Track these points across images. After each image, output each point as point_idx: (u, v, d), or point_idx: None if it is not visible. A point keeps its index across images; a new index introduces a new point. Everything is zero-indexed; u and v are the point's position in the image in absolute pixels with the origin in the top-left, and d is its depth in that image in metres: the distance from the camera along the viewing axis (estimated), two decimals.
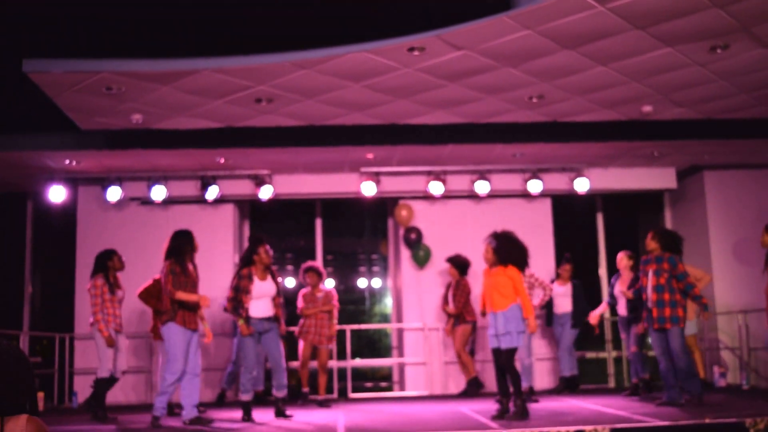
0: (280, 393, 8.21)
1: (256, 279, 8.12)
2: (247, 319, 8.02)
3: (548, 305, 11.41)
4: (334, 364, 11.90)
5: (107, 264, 8.83)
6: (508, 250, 7.71)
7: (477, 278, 10.83)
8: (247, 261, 8.24)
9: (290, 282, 13.80)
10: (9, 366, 2.70)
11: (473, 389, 10.96)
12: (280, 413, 8.18)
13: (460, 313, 11.02)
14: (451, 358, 11.89)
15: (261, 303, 8.11)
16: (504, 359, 7.57)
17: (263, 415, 8.31)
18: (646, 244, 8.43)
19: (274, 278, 8.26)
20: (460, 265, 11.21)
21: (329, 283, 12.89)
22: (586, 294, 11.46)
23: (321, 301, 10.05)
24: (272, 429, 7.30)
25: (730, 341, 11.93)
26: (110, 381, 8.72)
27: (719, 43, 8.22)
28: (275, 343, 8.18)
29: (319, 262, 12.63)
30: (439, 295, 11.96)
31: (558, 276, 11.47)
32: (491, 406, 8.21)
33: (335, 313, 10.11)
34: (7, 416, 2.61)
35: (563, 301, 11.29)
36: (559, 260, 11.88)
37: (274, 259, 8.44)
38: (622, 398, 9.51)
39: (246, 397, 8.02)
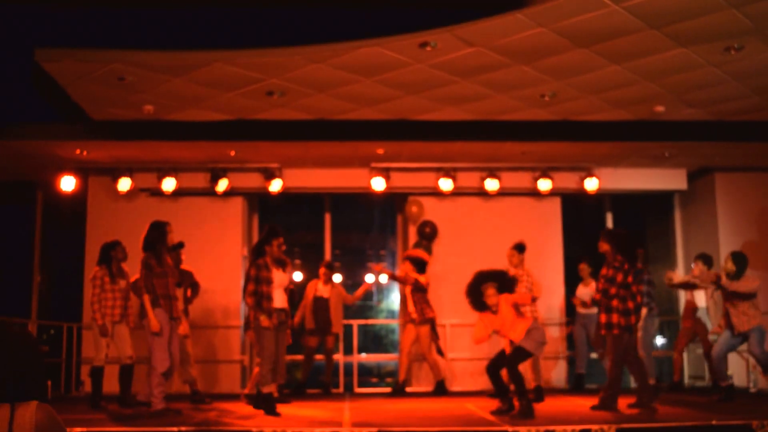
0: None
1: (273, 269, 7.99)
2: (270, 311, 7.81)
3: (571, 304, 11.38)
4: (340, 358, 11.92)
5: (110, 254, 8.95)
6: (504, 282, 7.82)
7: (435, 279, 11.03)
8: (259, 251, 8.10)
9: (297, 276, 13.81)
10: (20, 353, 2.70)
11: (440, 391, 10.73)
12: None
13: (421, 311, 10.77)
14: (457, 355, 11.89)
15: (276, 294, 7.99)
16: (512, 355, 7.56)
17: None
18: (599, 246, 8.20)
19: (284, 270, 8.20)
20: (418, 262, 10.90)
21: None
22: None
23: None
24: (279, 422, 7.29)
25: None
26: (102, 370, 8.96)
27: (734, 44, 8.18)
28: (283, 335, 8.10)
29: (327, 255, 12.68)
30: (444, 289, 11.92)
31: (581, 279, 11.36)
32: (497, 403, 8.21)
33: None
34: (18, 402, 2.62)
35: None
36: (568, 260, 11.85)
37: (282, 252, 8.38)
38: (628, 398, 9.47)
39: (268, 389, 7.81)
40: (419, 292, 10.65)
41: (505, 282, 7.81)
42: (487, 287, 7.73)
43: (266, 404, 7.79)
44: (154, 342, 7.67)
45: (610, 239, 8.08)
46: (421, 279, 10.65)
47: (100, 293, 8.78)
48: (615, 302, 7.82)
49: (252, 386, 8.98)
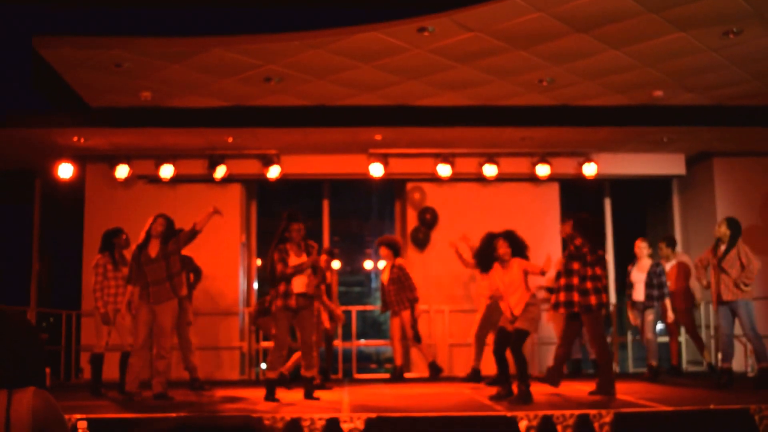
0: (308, 372, 8.01)
1: (292, 255, 7.96)
2: (286, 294, 7.85)
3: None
4: (339, 345, 11.93)
5: (113, 241, 8.92)
6: (518, 243, 7.88)
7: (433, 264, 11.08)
8: (281, 238, 8.04)
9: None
10: (17, 339, 2.70)
11: (435, 371, 10.55)
12: (309, 394, 7.93)
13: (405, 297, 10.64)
14: (456, 341, 11.91)
15: (296, 279, 7.93)
16: (513, 339, 7.55)
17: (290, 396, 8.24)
18: (561, 229, 8.37)
19: (309, 255, 8.03)
20: (394, 246, 10.75)
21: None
22: None
23: None
24: (278, 407, 7.30)
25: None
26: (105, 357, 8.97)
27: (732, 29, 8.16)
28: (308, 321, 8.01)
29: (326, 242, 12.67)
30: (443, 275, 11.92)
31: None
32: (495, 389, 8.23)
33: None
34: (15, 388, 2.62)
35: None
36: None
37: None
38: (626, 383, 9.51)
39: (272, 374, 7.87)
40: (398, 282, 10.62)
41: (517, 242, 7.86)
42: (498, 239, 7.84)
43: (267, 389, 7.82)
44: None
45: (573, 223, 8.19)
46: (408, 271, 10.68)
47: (102, 281, 8.76)
48: (562, 280, 8.03)
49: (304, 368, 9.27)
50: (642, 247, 10.15)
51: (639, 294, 10.07)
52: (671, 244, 10.85)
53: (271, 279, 8.07)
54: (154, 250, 8.09)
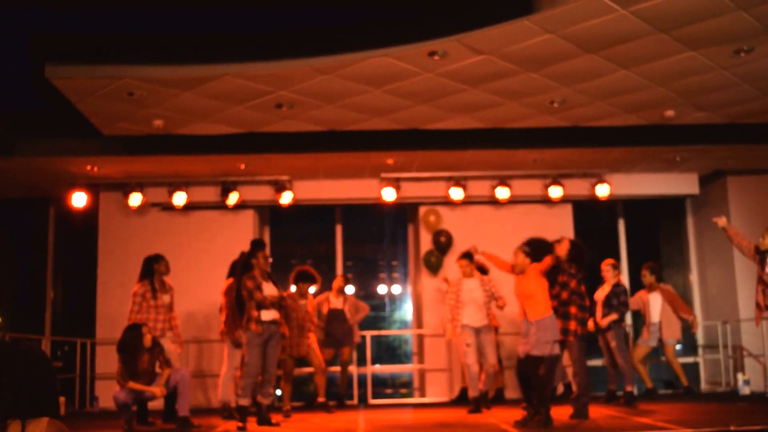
0: (266, 400, 8.04)
1: (263, 282, 8.04)
2: (259, 321, 7.91)
3: None
4: (354, 370, 11.86)
5: (153, 267, 8.96)
6: (542, 248, 7.78)
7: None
8: (246, 266, 8.14)
9: (311, 289, 13.75)
10: (31, 370, 2.69)
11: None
12: (264, 421, 7.89)
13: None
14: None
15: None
16: (528, 366, 7.50)
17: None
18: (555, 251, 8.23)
19: (274, 283, 8.16)
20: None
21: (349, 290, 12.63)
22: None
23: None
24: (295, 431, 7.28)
25: (753, 349, 11.80)
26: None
27: (743, 46, 8.13)
28: (274, 349, 8.08)
29: (339, 267, 12.62)
30: None
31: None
32: (513, 414, 8.16)
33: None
34: (29, 419, 2.61)
35: None
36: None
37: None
38: (644, 404, 9.41)
39: (244, 402, 7.88)
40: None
41: (536, 247, 7.77)
42: (520, 247, 7.81)
43: (240, 416, 7.84)
44: None
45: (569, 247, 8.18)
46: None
47: (137, 310, 8.71)
48: (573, 309, 7.96)
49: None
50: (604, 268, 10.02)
51: (598, 316, 9.77)
52: (655, 271, 10.53)
53: (239, 304, 8.09)
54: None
